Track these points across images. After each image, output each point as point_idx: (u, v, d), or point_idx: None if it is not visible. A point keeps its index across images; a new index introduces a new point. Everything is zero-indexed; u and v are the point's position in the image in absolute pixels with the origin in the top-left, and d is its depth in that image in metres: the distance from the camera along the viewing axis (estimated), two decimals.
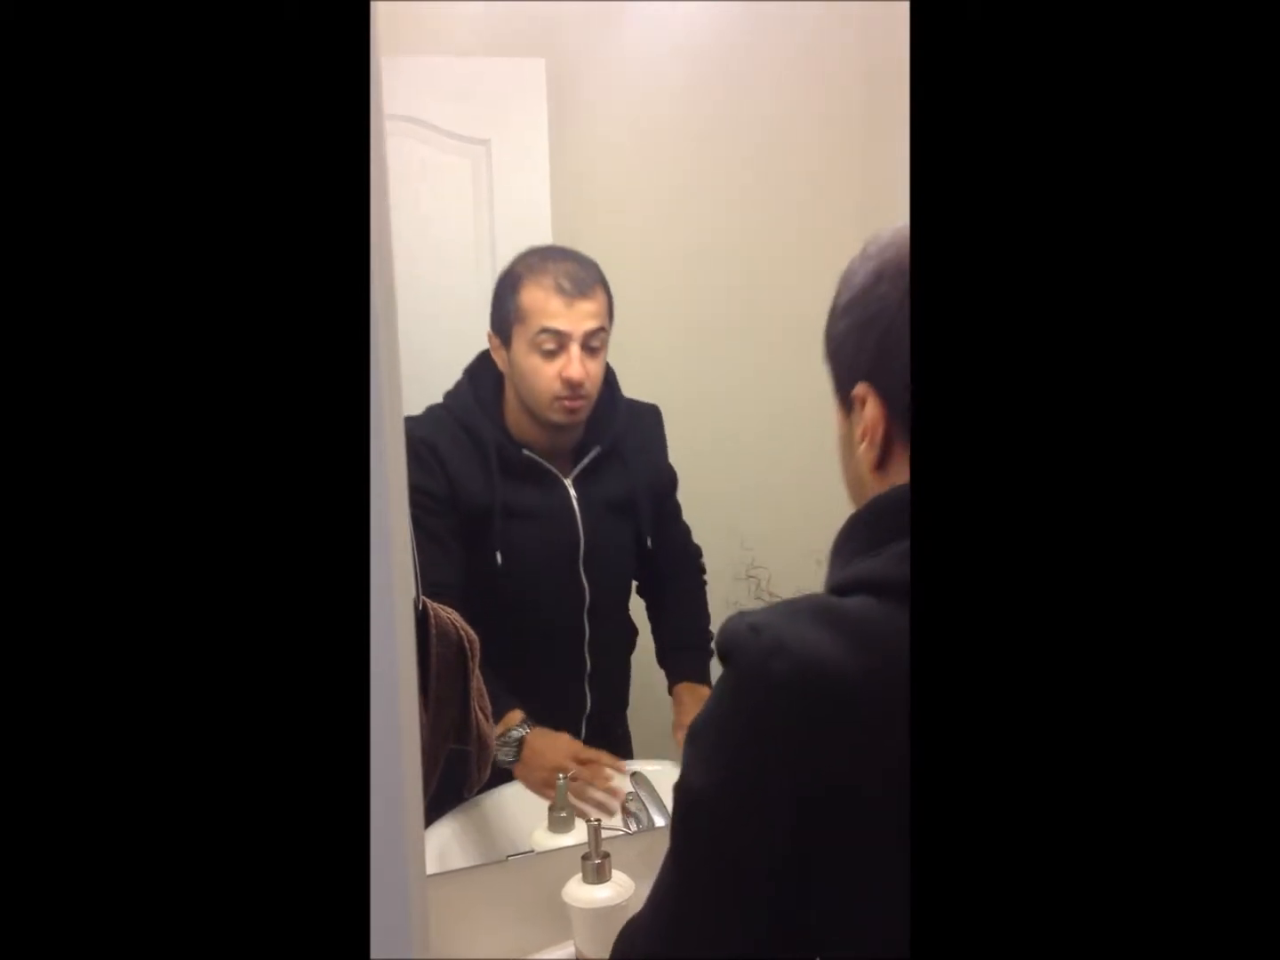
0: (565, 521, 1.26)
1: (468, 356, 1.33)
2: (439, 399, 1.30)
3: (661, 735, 1.46)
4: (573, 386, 1.18)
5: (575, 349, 1.18)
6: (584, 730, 1.37)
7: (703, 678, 1.43)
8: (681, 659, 1.42)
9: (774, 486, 1.54)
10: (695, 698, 1.41)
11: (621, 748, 1.44)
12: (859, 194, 1.54)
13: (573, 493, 1.26)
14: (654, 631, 1.46)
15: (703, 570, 1.46)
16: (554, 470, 1.25)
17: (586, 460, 1.26)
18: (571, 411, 1.20)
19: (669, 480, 1.41)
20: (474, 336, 1.37)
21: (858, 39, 1.51)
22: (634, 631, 1.45)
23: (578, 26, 1.38)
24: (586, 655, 1.33)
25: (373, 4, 0.50)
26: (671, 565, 1.43)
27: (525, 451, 1.23)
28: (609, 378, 1.31)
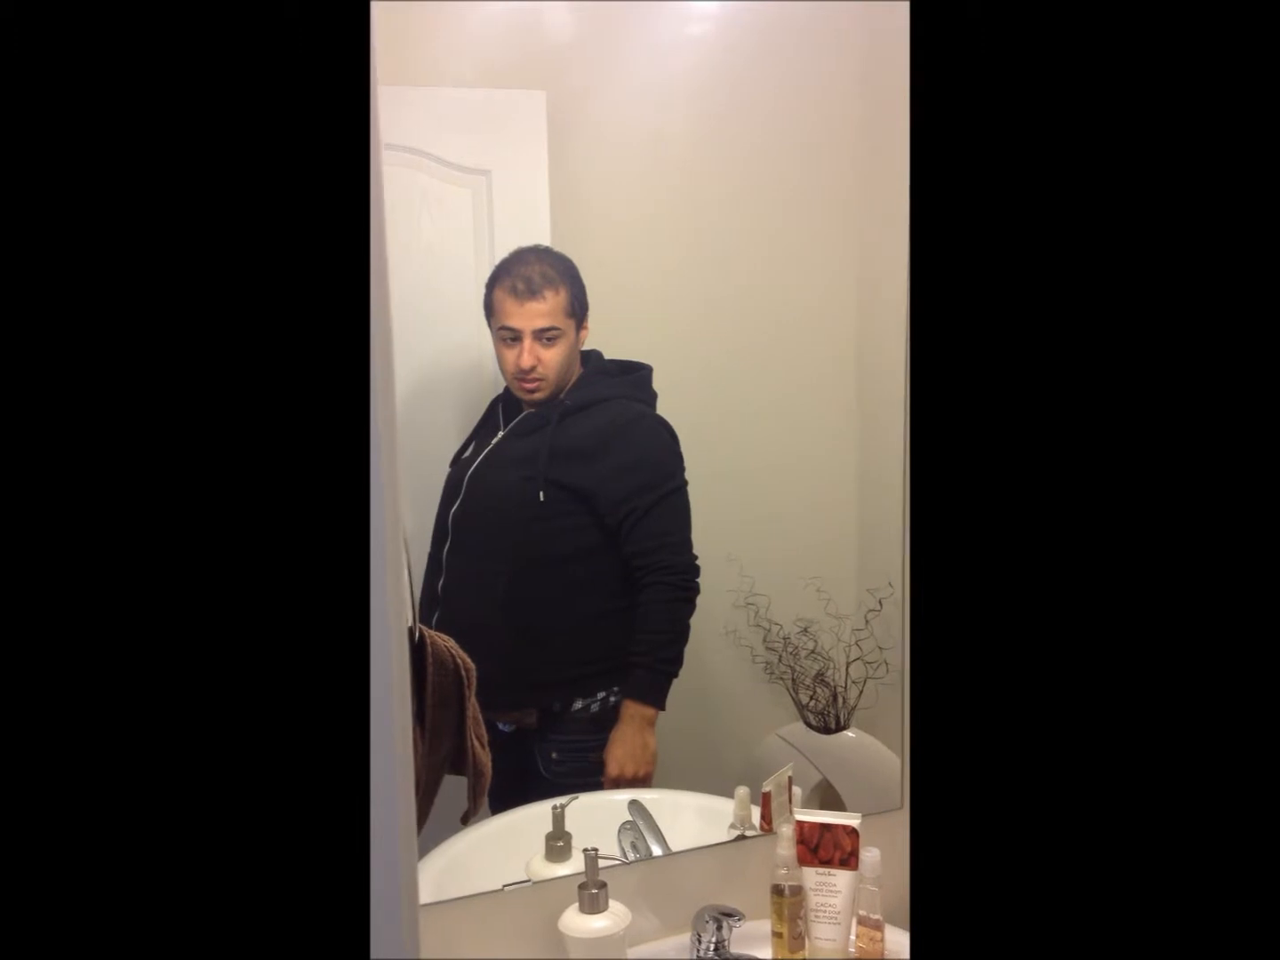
0: (466, 468, 1.43)
1: (466, 378, 1.41)
2: (438, 419, 1.42)
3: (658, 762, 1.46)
4: (524, 372, 1.39)
5: (528, 341, 1.38)
6: (434, 622, 1.39)
7: (643, 696, 1.44)
8: (631, 674, 1.45)
9: (773, 513, 1.55)
10: (634, 717, 1.44)
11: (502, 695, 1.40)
12: (865, 222, 1.55)
13: (491, 444, 1.43)
14: None
15: (677, 587, 1.47)
16: (501, 423, 1.44)
17: (516, 420, 1.43)
18: (528, 391, 1.41)
19: (640, 481, 1.45)
20: (473, 362, 1.41)
21: (860, 75, 1.53)
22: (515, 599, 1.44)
23: (578, 59, 1.40)
24: (443, 567, 1.42)
25: (373, 36, 0.51)
26: (637, 569, 1.45)
27: (497, 404, 1.44)
28: (594, 367, 1.44)
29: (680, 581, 1.46)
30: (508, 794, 1.36)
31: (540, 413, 1.42)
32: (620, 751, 1.44)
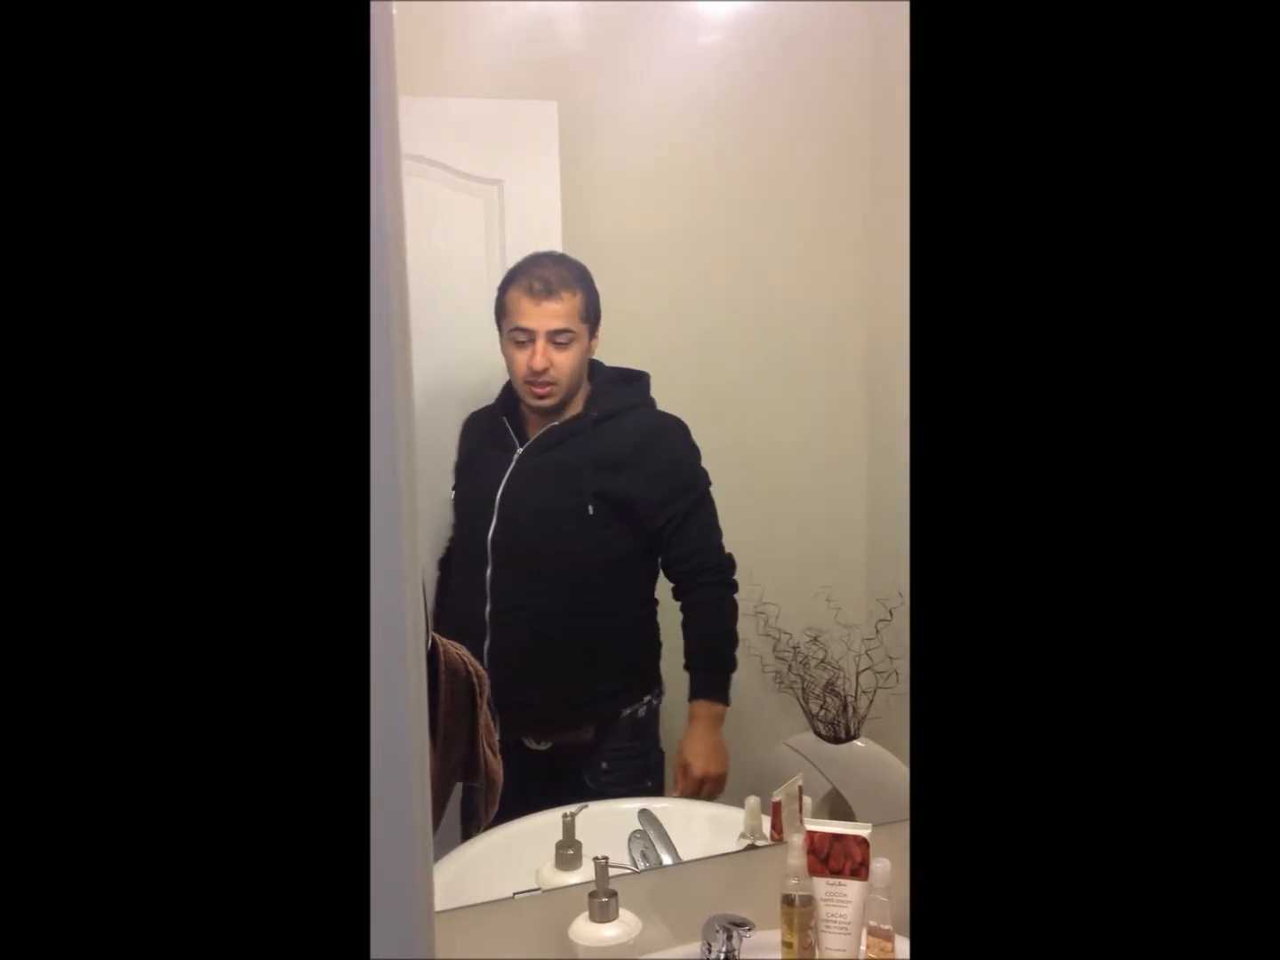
0: (494, 484, 1.41)
1: (474, 390, 1.40)
2: (451, 426, 1.41)
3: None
4: (536, 374, 1.36)
5: (541, 343, 1.35)
6: (486, 660, 1.32)
7: (711, 694, 1.45)
8: (697, 675, 1.46)
9: (784, 523, 1.55)
10: (708, 716, 1.45)
11: (536, 722, 1.42)
12: (878, 232, 1.56)
13: (514, 460, 1.40)
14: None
15: (724, 585, 1.47)
16: (514, 438, 1.41)
17: (540, 433, 1.40)
18: (539, 396, 1.38)
19: (678, 484, 1.46)
20: (482, 374, 1.40)
21: (873, 83, 1.53)
22: (568, 612, 1.44)
23: (590, 70, 1.41)
24: (488, 592, 1.39)
25: (394, 46, 0.52)
26: (686, 572, 1.46)
27: (503, 419, 1.41)
28: (605, 376, 1.43)
29: (726, 579, 1.47)
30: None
31: (566, 425, 1.40)
32: (702, 748, 1.44)
